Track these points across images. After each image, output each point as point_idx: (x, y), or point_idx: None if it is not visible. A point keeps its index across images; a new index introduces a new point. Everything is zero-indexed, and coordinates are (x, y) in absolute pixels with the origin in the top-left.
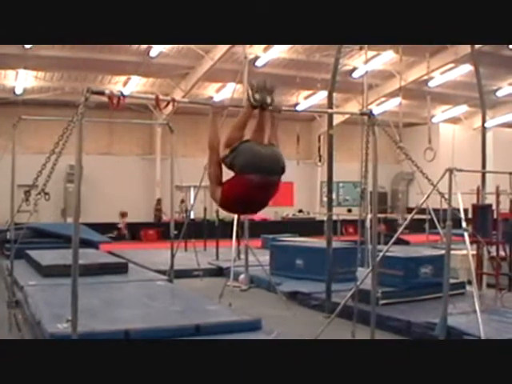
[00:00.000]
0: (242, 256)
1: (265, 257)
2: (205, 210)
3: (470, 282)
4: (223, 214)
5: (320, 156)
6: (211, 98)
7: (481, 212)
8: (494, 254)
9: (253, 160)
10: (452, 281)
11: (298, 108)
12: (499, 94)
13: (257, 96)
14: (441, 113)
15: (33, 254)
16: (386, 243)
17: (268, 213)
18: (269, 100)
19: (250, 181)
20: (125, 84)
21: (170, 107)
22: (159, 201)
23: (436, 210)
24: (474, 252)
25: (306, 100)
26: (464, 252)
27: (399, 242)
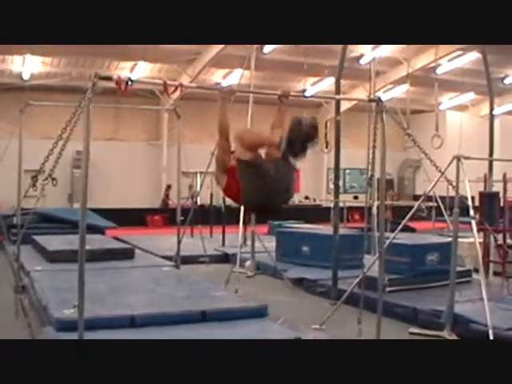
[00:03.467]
0: (249, 242)
1: (271, 243)
2: (211, 195)
3: (476, 270)
4: (230, 200)
5: (327, 142)
6: (218, 84)
7: (488, 200)
8: (500, 241)
9: (260, 198)
10: (458, 268)
11: (306, 94)
12: (507, 81)
13: (287, 152)
14: (448, 100)
15: (39, 239)
16: (392, 230)
17: None
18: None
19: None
20: (132, 70)
21: (177, 93)
22: (169, 187)
23: (443, 198)
24: (481, 240)
25: (313, 86)
26: (471, 240)
27: (405, 229)
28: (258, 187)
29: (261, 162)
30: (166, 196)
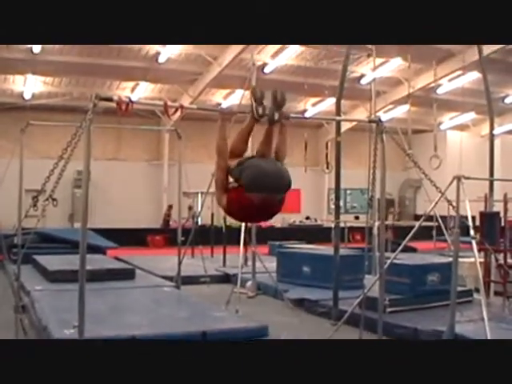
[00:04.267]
0: (249, 263)
1: (272, 263)
2: (212, 216)
3: (477, 290)
4: (230, 220)
5: (327, 163)
6: (219, 104)
7: (488, 219)
8: (501, 261)
9: (258, 179)
10: (459, 288)
11: (306, 115)
12: (507, 101)
13: (260, 110)
14: (448, 120)
15: (40, 259)
16: (393, 250)
17: (275, 219)
18: (277, 116)
19: (254, 199)
20: (133, 90)
21: (178, 113)
22: (170, 207)
23: (443, 218)
24: (482, 260)
25: (314, 107)
26: (471, 260)
27: (406, 249)
28: (256, 170)
29: (251, 156)
30: (168, 216)
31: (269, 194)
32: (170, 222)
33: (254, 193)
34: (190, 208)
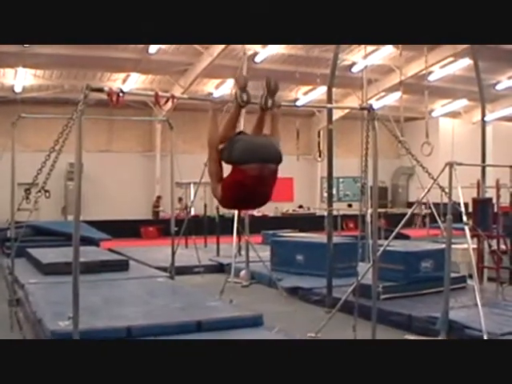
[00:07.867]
0: (243, 252)
1: (265, 252)
2: (205, 206)
3: (470, 276)
4: (223, 210)
5: (320, 151)
6: (210, 94)
7: (481, 206)
8: (494, 247)
9: (248, 149)
10: (453, 275)
11: (298, 103)
12: (499, 87)
13: (244, 96)
14: (440, 107)
15: (33, 252)
16: (386, 238)
17: (268, 209)
18: (270, 103)
19: (247, 171)
20: (124, 81)
21: (169, 104)
22: (159, 198)
23: (436, 204)
24: (475, 246)
25: (306, 95)
26: (465, 246)
27: (399, 236)
28: (245, 142)
29: (238, 132)
30: (156, 207)
31: (261, 163)
32: (160, 213)
33: (246, 164)
34: (180, 199)
